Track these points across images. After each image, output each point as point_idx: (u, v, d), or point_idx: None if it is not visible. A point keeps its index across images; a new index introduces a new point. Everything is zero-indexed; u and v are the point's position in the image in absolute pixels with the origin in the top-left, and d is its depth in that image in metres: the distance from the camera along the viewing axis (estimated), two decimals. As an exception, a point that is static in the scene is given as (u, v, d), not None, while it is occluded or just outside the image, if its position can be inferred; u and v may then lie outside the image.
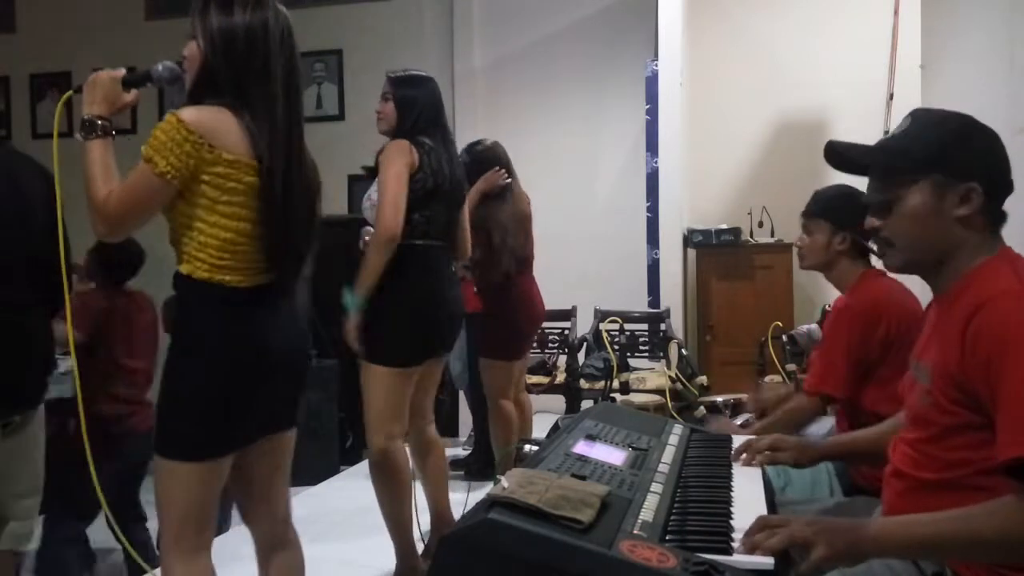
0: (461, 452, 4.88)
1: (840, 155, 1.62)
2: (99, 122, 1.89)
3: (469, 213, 3.30)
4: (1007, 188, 1.53)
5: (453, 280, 3.12)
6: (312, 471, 4.75)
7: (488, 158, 3.88)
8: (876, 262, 2.12)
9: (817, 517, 1.44)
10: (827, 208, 2.59)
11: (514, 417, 3.89)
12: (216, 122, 1.85)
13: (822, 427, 2.80)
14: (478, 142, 3.98)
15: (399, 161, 2.82)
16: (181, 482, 1.90)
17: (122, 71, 1.96)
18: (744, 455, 1.91)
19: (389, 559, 3.08)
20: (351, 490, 4.37)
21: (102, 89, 1.92)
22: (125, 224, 1.87)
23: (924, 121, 1.55)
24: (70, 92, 1.99)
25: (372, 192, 2.94)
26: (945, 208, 1.49)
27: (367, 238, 2.97)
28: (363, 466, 4.85)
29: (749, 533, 1.38)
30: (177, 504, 1.91)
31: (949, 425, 1.45)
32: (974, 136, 1.52)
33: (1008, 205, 1.54)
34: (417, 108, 2.94)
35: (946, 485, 1.45)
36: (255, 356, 1.92)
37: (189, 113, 1.84)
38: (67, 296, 2.08)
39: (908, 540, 1.36)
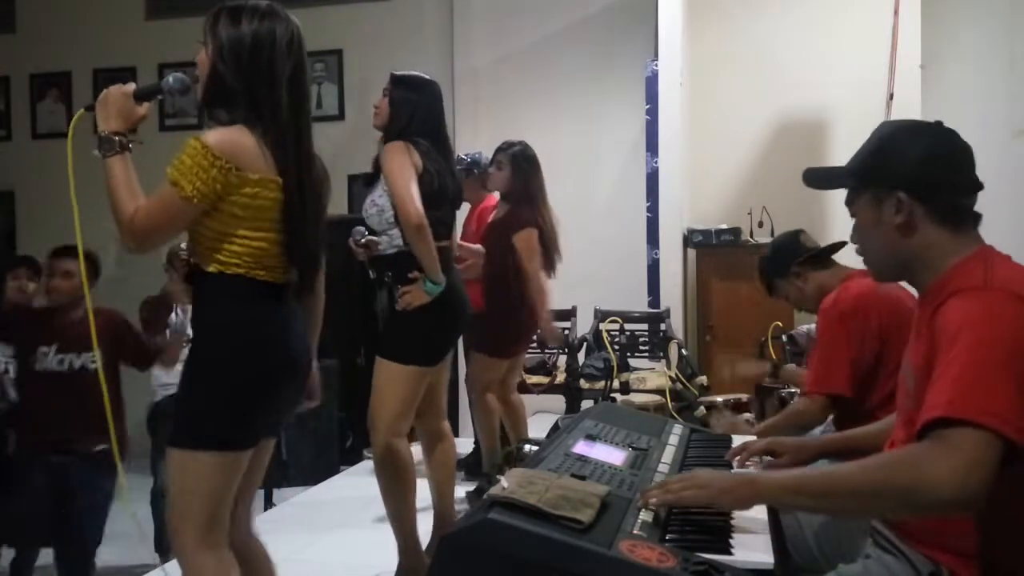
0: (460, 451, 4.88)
1: (816, 181, 1.72)
2: (116, 138, 1.92)
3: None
4: (951, 188, 1.53)
5: (459, 282, 3.14)
6: (312, 471, 4.75)
7: (532, 156, 3.99)
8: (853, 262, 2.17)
9: (715, 472, 1.52)
10: (762, 275, 2.92)
11: (497, 408, 4.02)
12: (239, 144, 1.89)
13: (815, 431, 2.79)
14: (512, 143, 4.03)
15: (399, 156, 2.84)
16: (208, 473, 1.92)
17: (132, 86, 1.99)
18: (739, 456, 1.92)
19: (390, 559, 3.08)
20: (351, 490, 4.37)
21: (115, 105, 1.94)
22: (151, 240, 1.92)
23: (874, 136, 1.61)
24: (81, 111, 2.02)
25: (376, 197, 2.93)
26: (884, 219, 1.54)
27: (360, 239, 2.97)
28: (363, 466, 4.86)
29: (645, 492, 1.46)
30: (204, 498, 1.93)
31: None
32: (903, 144, 1.55)
33: (1006, 206, 1.53)
34: (409, 111, 2.94)
35: None
36: (283, 349, 1.99)
37: (213, 138, 1.88)
38: (88, 302, 2.12)
39: (788, 482, 1.41)
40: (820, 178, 1.73)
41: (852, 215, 1.63)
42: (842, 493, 1.37)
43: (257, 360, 1.95)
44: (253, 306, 1.97)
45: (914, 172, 1.52)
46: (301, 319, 2.10)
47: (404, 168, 2.82)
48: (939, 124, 1.58)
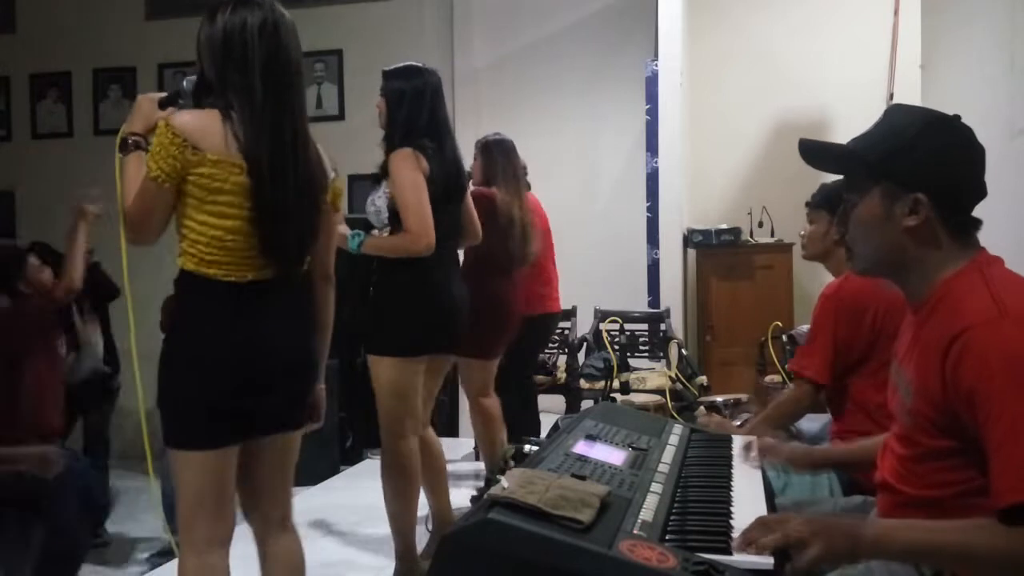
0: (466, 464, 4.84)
1: (813, 155, 1.59)
2: (131, 139, 2.02)
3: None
4: (968, 195, 1.47)
5: (458, 278, 3.12)
6: (312, 471, 4.74)
7: (503, 143, 3.96)
8: None
9: (815, 516, 1.44)
10: (826, 198, 2.65)
11: (495, 412, 3.91)
12: (202, 125, 1.92)
13: (814, 424, 2.80)
14: (487, 135, 4.04)
15: (410, 170, 2.83)
16: (187, 470, 1.97)
17: (161, 94, 2.10)
18: (751, 453, 1.95)
19: (389, 559, 3.08)
20: (351, 490, 4.38)
21: (141, 110, 2.06)
22: (143, 229, 1.96)
23: (890, 121, 1.51)
24: (125, 125, 2.08)
25: (376, 197, 2.94)
26: (895, 217, 1.46)
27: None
28: (363, 466, 4.86)
29: (746, 532, 1.38)
30: (186, 493, 1.98)
31: (932, 447, 1.44)
32: (928, 142, 1.45)
33: (1006, 206, 1.51)
34: (405, 100, 2.93)
35: (931, 503, 1.44)
36: (242, 348, 1.96)
37: (177, 118, 1.93)
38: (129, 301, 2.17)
39: (905, 545, 1.36)
40: (822, 157, 1.60)
41: (850, 201, 1.54)
42: (945, 558, 1.37)
43: (213, 363, 1.94)
44: (208, 306, 1.96)
45: (936, 175, 1.44)
46: (287, 320, 2.04)
47: (415, 185, 2.81)
48: (958, 119, 1.50)
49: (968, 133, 1.49)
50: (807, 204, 2.70)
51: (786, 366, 3.73)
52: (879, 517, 1.60)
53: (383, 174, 2.93)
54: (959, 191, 1.47)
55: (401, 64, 3.03)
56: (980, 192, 1.49)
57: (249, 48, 1.95)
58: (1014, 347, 1.31)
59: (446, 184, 2.93)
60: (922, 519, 1.42)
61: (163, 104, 2.07)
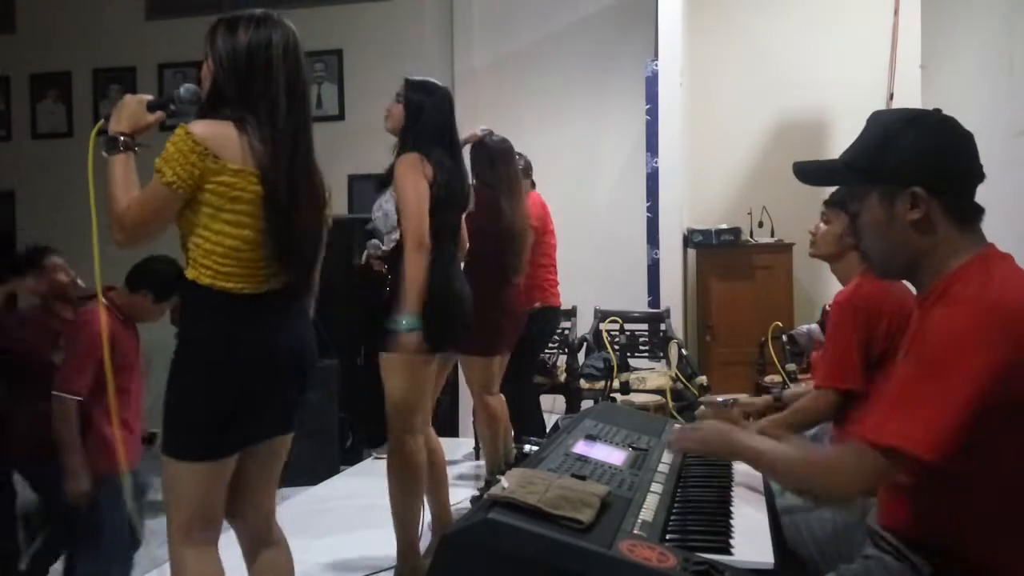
0: (466, 464, 4.84)
1: (809, 175, 1.63)
2: (121, 139, 1.98)
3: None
4: (962, 179, 1.50)
5: (463, 279, 3.15)
6: (312, 471, 4.75)
7: (504, 149, 3.92)
8: None
9: (720, 424, 1.71)
10: (845, 198, 2.61)
11: (499, 411, 3.91)
12: (222, 135, 1.92)
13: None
14: (489, 133, 4.00)
15: (414, 174, 2.87)
16: (188, 481, 1.97)
17: (148, 96, 2.06)
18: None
19: (389, 559, 3.08)
20: (351, 490, 4.37)
21: (127, 110, 2.02)
22: (140, 232, 1.94)
23: (872, 127, 1.55)
24: (101, 122, 2.06)
25: (383, 202, 2.97)
26: (898, 215, 1.49)
27: (375, 252, 3.01)
28: (363, 466, 4.86)
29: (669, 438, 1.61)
30: (186, 502, 1.98)
31: None
32: (911, 137, 1.48)
33: (1006, 206, 1.52)
34: (423, 114, 2.98)
35: (926, 490, 1.44)
36: (259, 359, 1.99)
37: (197, 126, 1.92)
38: (100, 302, 2.14)
39: (754, 453, 1.58)
40: (817, 174, 1.64)
41: (853, 212, 1.59)
42: (779, 476, 1.59)
43: (230, 376, 1.95)
44: (225, 319, 1.96)
45: (925, 165, 1.47)
46: (295, 324, 2.08)
47: (416, 187, 2.84)
48: (938, 112, 1.53)
49: (950, 121, 1.52)
50: (825, 202, 2.68)
51: (794, 374, 3.72)
52: (879, 506, 1.60)
53: (388, 178, 2.96)
54: (952, 176, 1.49)
55: (424, 78, 3.08)
56: (974, 175, 1.51)
57: (274, 67, 1.97)
58: (954, 324, 1.36)
59: (449, 189, 2.96)
60: (918, 506, 1.45)
61: (152, 107, 2.04)
